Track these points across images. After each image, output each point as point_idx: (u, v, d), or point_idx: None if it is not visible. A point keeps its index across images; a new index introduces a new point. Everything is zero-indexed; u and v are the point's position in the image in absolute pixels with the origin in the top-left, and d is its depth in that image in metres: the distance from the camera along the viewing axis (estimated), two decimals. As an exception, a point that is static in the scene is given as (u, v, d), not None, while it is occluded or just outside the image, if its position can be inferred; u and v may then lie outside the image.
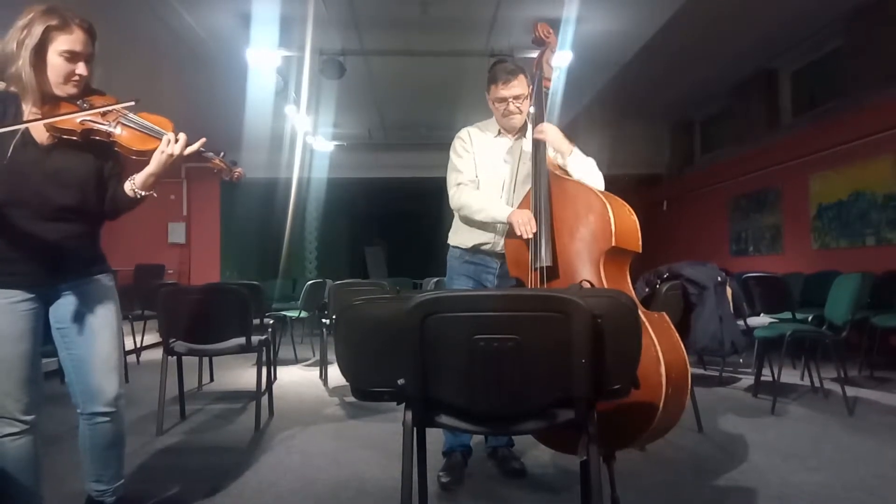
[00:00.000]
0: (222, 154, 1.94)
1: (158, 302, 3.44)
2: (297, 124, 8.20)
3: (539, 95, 2.59)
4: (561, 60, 6.27)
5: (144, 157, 1.85)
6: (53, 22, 1.72)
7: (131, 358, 5.92)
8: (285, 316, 6.56)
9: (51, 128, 1.76)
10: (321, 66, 6.30)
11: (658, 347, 1.97)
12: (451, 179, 2.69)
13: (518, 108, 2.58)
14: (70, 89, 1.79)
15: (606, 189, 2.34)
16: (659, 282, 3.38)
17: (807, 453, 2.95)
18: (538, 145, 2.46)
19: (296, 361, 6.21)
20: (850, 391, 4.01)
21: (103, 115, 1.80)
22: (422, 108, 9.31)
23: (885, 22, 6.15)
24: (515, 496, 2.47)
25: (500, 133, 2.71)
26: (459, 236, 2.74)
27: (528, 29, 6.58)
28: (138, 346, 6.18)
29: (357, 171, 11.31)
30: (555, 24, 5.93)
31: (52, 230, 1.82)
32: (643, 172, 11.42)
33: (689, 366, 2.10)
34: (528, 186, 2.47)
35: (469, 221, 2.65)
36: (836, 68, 7.12)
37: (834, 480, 2.56)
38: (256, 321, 3.96)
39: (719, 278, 3.55)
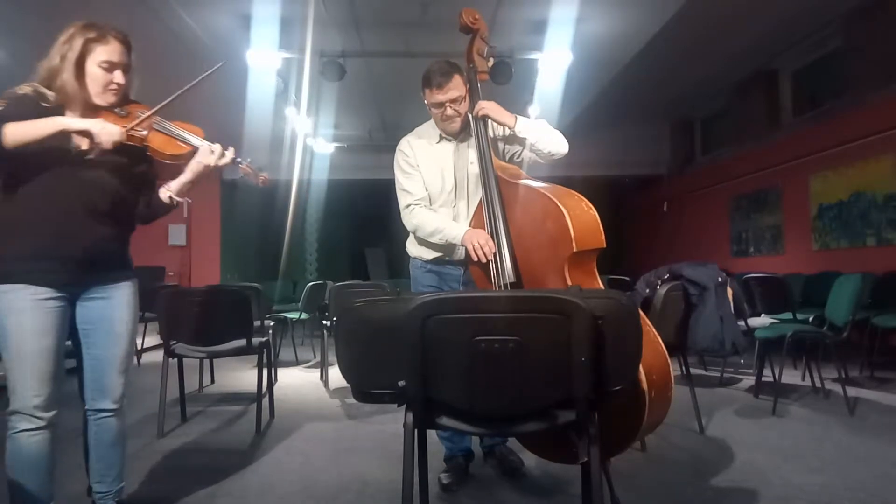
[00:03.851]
0: (248, 160, 2.07)
1: (159, 304, 3.44)
2: (298, 126, 8.21)
3: (475, 93, 2.48)
4: (561, 61, 6.28)
5: (177, 162, 1.96)
6: (92, 35, 1.84)
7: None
8: (286, 317, 6.56)
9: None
10: (321, 68, 6.31)
11: None
12: (402, 200, 2.56)
13: (456, 111, 2.47)
14: (109, 98, 1.90)
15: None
16: (659, 283, 3.38)
17: (808, 454, 2.95)
18: (480, 123, 2.40)
19: (296, 363, 6.21)
20: (851, 391, 4.01)
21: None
22: (422, 110, 9.26)
23: (885, 22, 6.16)
24: (516, 497, 2.47)
25: (441, 138, 2.60)
26: (418, 249, 2.63)
27: (529, 30, 6.62)
28: (139, 348, 6.17)
29: (357, 173, 11.31)
30: (554, 25, 5.94)
31: (86, 232, 1.88)
32: (643, 172, 11.41)
33: (668, 360, 2.02)
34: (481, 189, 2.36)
35: (424, 242, 2.57)
36: (836, 68, 7.12)
37: (835, 481, 2.56)
38: (257, 323, 3.96)
39: (720, 279, 3.54)
